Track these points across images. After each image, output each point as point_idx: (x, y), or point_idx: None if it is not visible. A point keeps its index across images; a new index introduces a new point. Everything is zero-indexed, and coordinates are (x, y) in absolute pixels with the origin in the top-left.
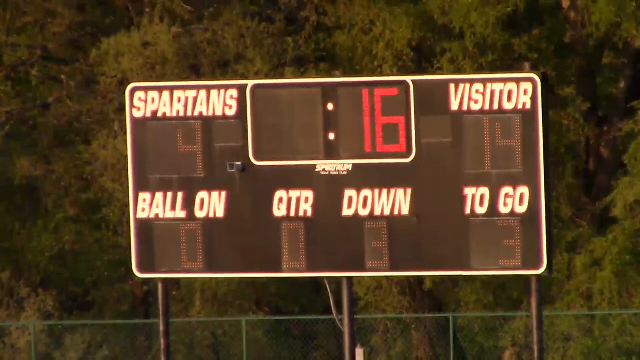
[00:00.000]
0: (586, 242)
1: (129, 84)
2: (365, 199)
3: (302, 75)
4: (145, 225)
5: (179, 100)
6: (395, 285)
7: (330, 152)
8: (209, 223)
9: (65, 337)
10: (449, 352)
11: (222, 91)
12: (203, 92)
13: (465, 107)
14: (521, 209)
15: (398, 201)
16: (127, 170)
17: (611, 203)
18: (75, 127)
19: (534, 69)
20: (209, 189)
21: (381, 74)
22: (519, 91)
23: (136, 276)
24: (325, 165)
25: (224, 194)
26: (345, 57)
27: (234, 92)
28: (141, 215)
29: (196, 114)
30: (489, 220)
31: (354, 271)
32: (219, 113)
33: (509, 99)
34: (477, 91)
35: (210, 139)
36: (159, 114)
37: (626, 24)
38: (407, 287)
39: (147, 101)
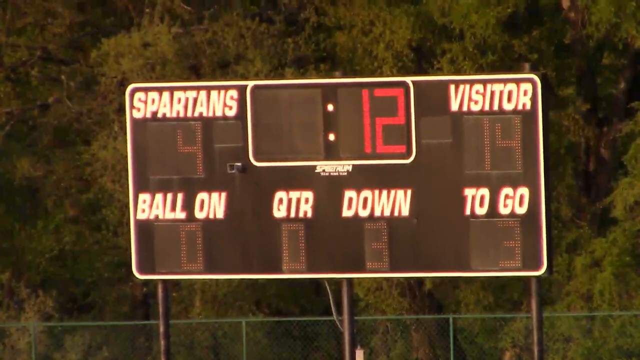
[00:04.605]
0: (586, 243)
1: (129, 84)
2: (365, 199)
3: (302, 76)
4: (145, 226)
5: (179, 100)
6: (395, 286)
7: (330, 152)
8: (209, 224)
9: (65, 338)
10: (448, 353)
11: (222, 92)
12: (203, 93)
13: (465, 108)
14: (521, 210)
15: (398, 202)
16: (127, 171)
17: (611, 204)
18: (75, 128)
19: (533, 69)
20: (209, 189)
21: (381, 75)
22: (518, 92)
23: (136, 277)
24: (325, 166)
25: (224, 194)
26: (345, 57)
27: (234, 93)
28: (141, 216)
29: (196, 114)
30: (489, 221)
31: (353, 272)
32: (219, 114)
33: (509, 99)
34: (477, 92)
35: (210, 139)
36: (159, 115)
37: (626, 25)
38: (407, 288)
39: (147, 102)
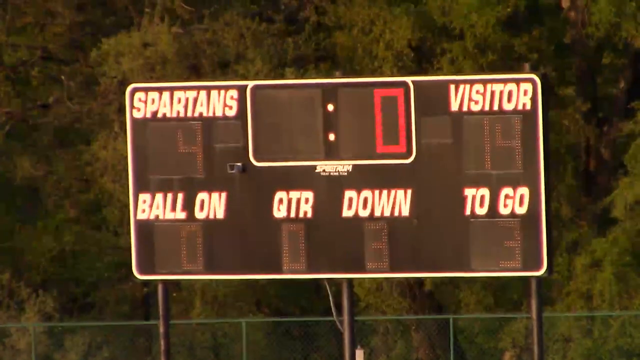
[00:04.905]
0: (586, 243)
1: (129, 84)
2: (366, 200)
3: (302, 76)
4: (145, 227)
5: (179, 100)
6: (395, 286)
7: (331, 152)
8: (209, 224)
9: (66, 338)
10: (449, 353)
11: (222, 92)
12: (203, 93)
13: (465, 108)
14: (521, 210)
15: (398, 202)
16: (127, 171)
17: (611, 203)
18: (76, 128)
19: (534, 69)
20: (209, 189)
21: (381, 75)
22: (519, 92)
23: (136, 278)
24: (325, 166)
25: (224, 195)
26: (345, 57)
27: (234, 93)
28: (141, 216)
29: (196, 114)
30: (489, 221)
31: (353, 272)
32: (219, 114)
33: (509, 99)
34: (477, 92)
35: (210, 139)
36: (159, 115)
37: (626, 24)
38: (407, 289)
39: (147, 102)
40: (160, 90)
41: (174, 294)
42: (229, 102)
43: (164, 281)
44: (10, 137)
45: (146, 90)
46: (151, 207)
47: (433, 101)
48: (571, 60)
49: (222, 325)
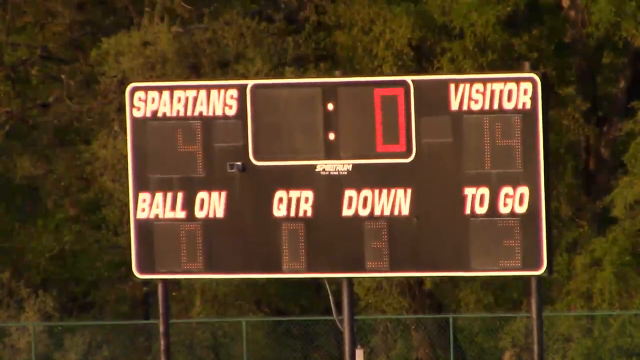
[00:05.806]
0: (586, 242)
1: (129, 83)
2: (365, 199)
3: (302, 75)
4: (145, 226)
5: (179, 100)
6: (395, 285)
7: (330, 152)
8: (209, 223)
9: (65, 337)
10: (448, 353)
11: (222, 91)
12: (203, 92)
13: (465, 107)
14: (521, 209)
15: (398, 201)
16: (127, 170)
17: (611, 203)
18: (76, 127)
19: (533, 68)
20: (209, 189)
21: (381, 74)
22: (518, 91)
23: (136, 277)
24: (325, 165)
25: (224, 194)
26: (345, 56)
27: (234, 92)
28: (141, 215)
29: (196, 113)
30: (488, 220)
31: (353, 272)
32: (219, 113)
33: (509, 98)
34: (477, 91)
35: (210, 139)
36: (159, 114)
37: (626, 24)
38: (407, 288)
39: (147, 101)
40: (160, 89)
41: (174, 293)
42: (229, 101)
43: (163, 280)
44: (10, 137)
45: (146, 89)
46: (151, 206)
47: (433, 100)
48: (571, 59)
49: (222, 324)
